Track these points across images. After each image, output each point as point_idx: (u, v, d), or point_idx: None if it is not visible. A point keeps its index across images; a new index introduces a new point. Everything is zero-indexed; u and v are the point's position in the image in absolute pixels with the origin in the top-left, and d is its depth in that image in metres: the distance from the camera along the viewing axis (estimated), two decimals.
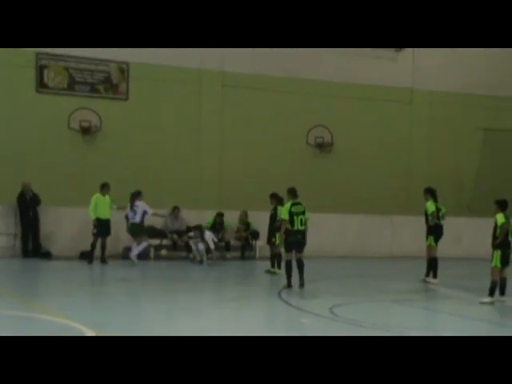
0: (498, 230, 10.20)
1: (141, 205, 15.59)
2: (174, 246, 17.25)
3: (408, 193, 20.21)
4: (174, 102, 18.73)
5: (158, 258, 16.94)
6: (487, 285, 10.60)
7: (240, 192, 18.64)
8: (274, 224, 13.73)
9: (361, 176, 20.36)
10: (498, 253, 10.16)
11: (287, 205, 11.25)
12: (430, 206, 13.18)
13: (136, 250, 15.41)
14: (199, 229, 16.06)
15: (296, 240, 11.18)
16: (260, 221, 17.47)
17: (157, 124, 18.55)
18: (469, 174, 21.04)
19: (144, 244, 15.67)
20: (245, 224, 18.03)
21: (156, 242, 17.18)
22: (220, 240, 17.26)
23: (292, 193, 11.36)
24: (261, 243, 17.75)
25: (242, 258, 17.65)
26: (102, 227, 15.06)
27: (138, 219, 15.62)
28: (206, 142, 19.04)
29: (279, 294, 10.83)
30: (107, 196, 15.16)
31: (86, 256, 15.25)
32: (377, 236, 19.68)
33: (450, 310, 9.90)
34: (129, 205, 15.70)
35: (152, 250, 17.03)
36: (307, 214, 11.22)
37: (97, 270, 14.47)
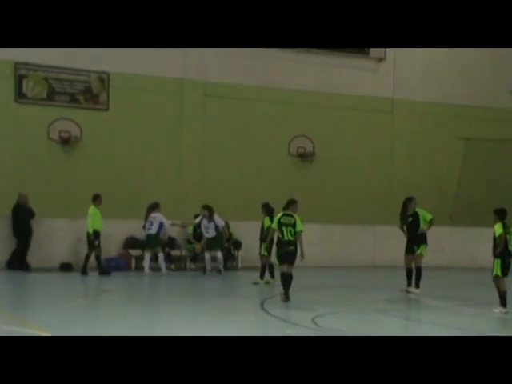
0: (498, 240, 10.20)
1: (158, 216, 15.75)
2: (155, 257, 16.87)
3: (390, 203, 19.99)
4: (155, 112, 18.63)
5: (140, 269, 16.69)
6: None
7: (222, 202, 18.18)
8: (261, 235, 13.74)
9: (343, 186, 20.23)
10: (498, 262, 10.19)
11: (278, 215, 11.14)
12: (427, 214, 13.03)
13: (162, 266, 15.73)
14: (208, 208, 15.84)
15: (288, 251, 10.89)
16: (242, 231, 17.58)
17: (138, 134, 18.41)
18: (450, 184, 20.91)
19: (161, 255, 15.87)
20: (226, 234, 17.59)
21: (137, 253, 17.04)
22: (201, 251, 17.04)
23: (286, 204, 11.24)
24: (243, 254, 17.83)
25: (224, 268, 17.13)
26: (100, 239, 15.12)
27: (154, 230, 15.78)
28: (188, 152, 18.92)
29: (262, 305, 10.67)
30: (98, 208, 15.14)
31: (101, 270, 15.02)
32: (359, 246, 19.51)
33: (434, 320, 9.74)
34: (146, 216, 15.88)
35: (133, 261, 16.96)
36: (300, 227, 10.90)
37: (78, 282, 14.27)
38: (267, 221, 13.37)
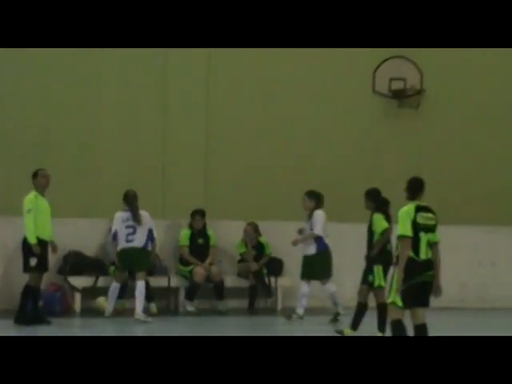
0: None
1: (145, 217, 16.28)
2: (121, 290, 16.70)
3: None
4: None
5: (88, 311, 16.64)
6: None
7: (242, 189, 18.28)
8: (371, 248, 14.01)
9: (475, 152, 19.77)
10: None
11: (408, 208, 10.81)
12: None
13: (139, 303, 15.93)
14: (316, 197, 16.18)
15: (425, 283, 10.72)
16: (281, 241, 17.36)
17: (91, 70, 18.02)
18: None
19: (142, 284, 16.11)
20: (255, 246, 17.69)
21: (85, 281, 16.96)
22: (208, 279, 17.25)
23: (414, 188, 11.09)
24: (285, 282, 17.93)
25: (251, 310, 17.40)
26: (42, 256, 15.15)
27: (140, 242, 16.22)
28: (179, 101, 18.57)
29: None
30: (45, 197, 15.24)
31: (22, 316, 15.28)
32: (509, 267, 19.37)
33: None
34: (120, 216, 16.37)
35: (78, 298, 16.85)
36: (438, 234, 10.93)
37: None
38: (380, 221, 13.61)
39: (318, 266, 16.01)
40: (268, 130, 18.93)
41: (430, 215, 10.82)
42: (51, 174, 15.71)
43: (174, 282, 17.27)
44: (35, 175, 15.10)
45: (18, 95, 17.73)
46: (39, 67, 17.84)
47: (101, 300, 16.49)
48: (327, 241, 16.07)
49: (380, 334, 13.61)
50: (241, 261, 17.48)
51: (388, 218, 13.51)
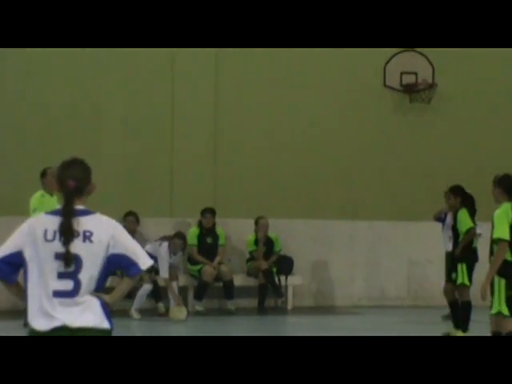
0: None
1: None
2: (154, 294, 16.93)
3: None
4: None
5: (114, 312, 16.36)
6: None
7: (251, 187, 18.22)
8: (456, 245, 14.23)
9: (487, 146, 19.66)
10: None
11: (504, 208, 10.71)
12: None
13: (137, 300, 16.75)
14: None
15: None
16: (292, 239, 17.88)
17: (96, 70, 18.15)
18: None
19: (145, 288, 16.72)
20: (265, 244, 17.75)
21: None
22: (217, 278, 17.45)
23: (507, 186, 10.99)
24: (296, 281, 17.99)
25: (261, 310, 17.45)
26: None
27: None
28: (186, 100, 18.77)
29: None
30: (55, 196, 14.96)
31: None
32: None
33: None
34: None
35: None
36: None
37: None
38: (466, 220, 13.81)
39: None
40: (277, 126, 19.02)
41: None
42: None
43: (183, 281, 17.31)
44: (44, 174, 15.16)
45: (25, 94, 17.83)
46: (46, 67, 18.03)
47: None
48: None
49: (460, 333, 13.65)
50: (250, 259, 17.58)
51: (473, 215, 13.88)
